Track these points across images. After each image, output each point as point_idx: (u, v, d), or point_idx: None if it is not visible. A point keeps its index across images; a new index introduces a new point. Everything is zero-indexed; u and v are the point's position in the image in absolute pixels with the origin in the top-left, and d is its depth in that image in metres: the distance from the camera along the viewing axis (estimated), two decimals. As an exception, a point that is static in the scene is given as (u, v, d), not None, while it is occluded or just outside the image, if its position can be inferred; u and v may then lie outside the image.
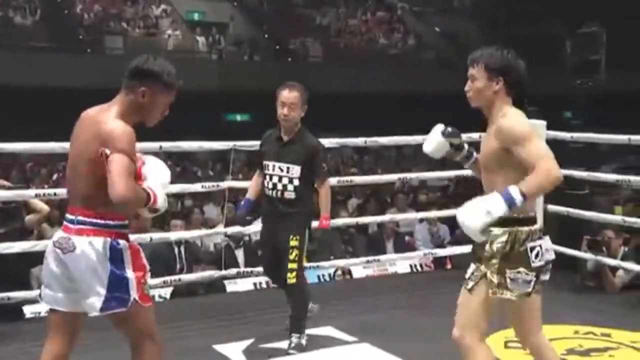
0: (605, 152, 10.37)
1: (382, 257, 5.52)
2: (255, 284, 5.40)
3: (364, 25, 18.84)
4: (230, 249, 5.62)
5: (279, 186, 3.51)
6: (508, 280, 2.32)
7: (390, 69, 15.80)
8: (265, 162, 3.58)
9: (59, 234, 2.36)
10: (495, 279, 2.32)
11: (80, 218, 2.31)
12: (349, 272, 5.91)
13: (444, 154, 2.64)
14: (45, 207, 4.42)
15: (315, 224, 3.62)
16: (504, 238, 2.34)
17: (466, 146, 2.64)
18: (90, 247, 2.28)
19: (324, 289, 5.37)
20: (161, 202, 2.32)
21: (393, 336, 3.73)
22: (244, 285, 5.31)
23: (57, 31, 14.63)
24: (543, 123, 4.99)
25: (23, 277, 4.35)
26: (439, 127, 2.62)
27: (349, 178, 5.50)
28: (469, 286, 2.39)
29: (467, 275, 2.42)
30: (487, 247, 2.34)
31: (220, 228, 4.95)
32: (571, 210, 4.94)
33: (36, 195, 4.19)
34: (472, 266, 2.42)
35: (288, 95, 3.49)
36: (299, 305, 3.54)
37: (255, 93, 14.62)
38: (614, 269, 4.73)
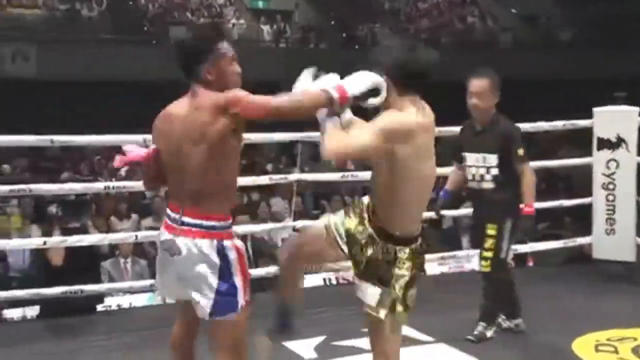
0: None
1: (458, 253, 5.43)
2: (325, 280, 5.42)
3: (436, 9, 18.56)
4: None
5: (477, 177, 3.60)
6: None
7: (466, 54, 15.52)
8: (463, 154, 3.67)
9: (164, 234, 2.30)
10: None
11: (186, 219, 2.24)
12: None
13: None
14: None
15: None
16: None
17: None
18: (196, 249, 2.22)
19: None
20: (353, 88, 2.19)
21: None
22: (313, 281, 5.33)
23: (122, 23, 15.07)
24: (635, 109, 4.81)
25: (94, 270, 4.51)
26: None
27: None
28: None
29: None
30: None
31: (288, 222, 4.98)
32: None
33: (105, 188, 4.32)
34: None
35: (476, 84, 3.53)
36: (489, 295, 3.63)
37: (322, 82, 14.70)
38: None
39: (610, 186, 4.84)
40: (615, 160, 4.81)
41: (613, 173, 4.82)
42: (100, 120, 6.65)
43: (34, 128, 4.07)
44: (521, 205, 3.55)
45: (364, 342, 3.58)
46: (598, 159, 4.86)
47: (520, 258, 6.04)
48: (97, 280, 4.49)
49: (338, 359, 3.45)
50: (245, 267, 2.28)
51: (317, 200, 8.12)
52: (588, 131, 4.98)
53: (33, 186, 4.15)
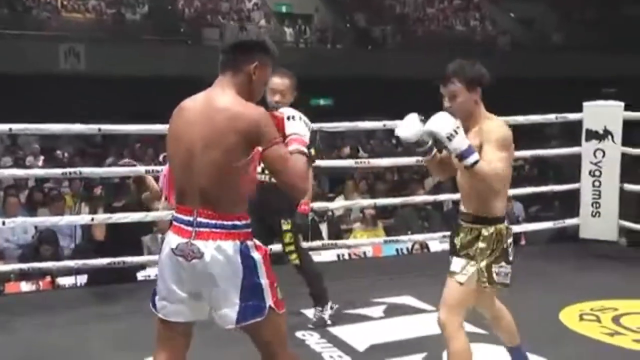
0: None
1: (458, 232, 5.41)
2: (338, 255, 5.42)
3: (441, 13, 18.38)
4: (315, 223, 5.66)
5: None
6: (494, 275, 2.37)
7: (467, 55, 15.34)
8: None
9: (175, 239, 1.93)
10: (486, 274, 2.37)
11: (202, 220, 1.89)
12: (426, 246, 5.83)
13: (415, 141, 2.44)
14: (156, 186, 4.58)
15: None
16: (491, 236, 2.38)
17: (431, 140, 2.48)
18: (219, 252, 1.88)
19: (404, 261, 5.33)
20: (305, 136, 2.00)
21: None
22: (327, 256, 5.34)
23: (161, 25, 15.10)
24: (620, 104, 4.77)
25: (136, 244, 4.55)
26: (415, 115, 2.45)
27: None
28: (462, 280, 2.39)
29: (456, 269, 2.41)
30: (477, 244, 2.39)
31: (307, 203, 4.97)
32: (649, 189, 4.69)
33: (146, 172, 4.35)
34: (461, 261, 2.41)
35: (279, 82, 3.29)
36: (311, 281, 3.43)
37: (338, 79, 14.64)
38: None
39: (597, 173, 4.80)
40: (601, 150, 4.78)
41: (599, 162, 4.79)
42: (141, 111, 6.67)
43: (82, 118, 4.11)
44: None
45: (371, 311, 3.62)
46: (586, 149, 4.83)
47: (514, 237, 6.00)
48: (139, 253, 4.54)
49: (349, 325, 3.45)
50: (270, 267, 1.96)
51: (332, 183, 8.10)
52: (578, 124, 4.94)
53: (84, 169, 4.20)
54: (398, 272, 3.82)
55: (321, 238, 5.43)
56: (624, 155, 4.78)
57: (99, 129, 4.09)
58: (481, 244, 2.37)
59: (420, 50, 15.69)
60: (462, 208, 2.49)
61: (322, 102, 16.31)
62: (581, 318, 3.48)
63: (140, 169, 4.51)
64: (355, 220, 6.40)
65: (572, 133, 5.35)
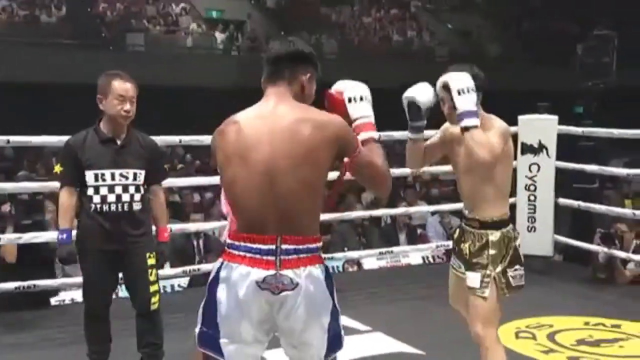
0: (615, 147, 10.27)
1: (395, 249, 5.50)
2: (332, 268, 5.44)
3: (378, 23, 18.77)
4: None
5: (125, 197, 2.86)
6: (510, 279, 2.45)
7: (404, 65, 15.74)
8: (95, 172, 2.84)
9: (256, 272, 1.75)
10: (503, 280, 2.44)
11: (288, 247, 1.75)
12: (358, 264, 5.90)
13: (424, 109, 2.46)
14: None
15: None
16: (500, 241, 2.45)
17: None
18: (311, 280, 1.76)
19: (338, 280, 5.36)
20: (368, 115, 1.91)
21: (406, 325, 3.72)
22: None
23: (80, 28, 14.72)
24: (554, 118, 4.97)
25: (48, 266, 4.38)
26: (424, 82, 2.49)
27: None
28: (486, 295, 2.43)
29: (476, 285, 2.45)
30: (488, 252, 2.44)
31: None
32: (582, 203, 4.91)
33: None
34: (477, 275, 2.45)
35: (130, 87, 2.89)
36: (159, 332, 2.98)
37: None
38: (625, 262, 4.69)
39: (532, 187, 4.97)
40: (537, 164, 4.94)
41: (535, 176, 4.96)
42: (57, 121, 6.46)
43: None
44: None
45: (348, 321, 3.61)
46: (522, 163, 4.98)
47: (449, 254, 6.16)
48: (52, 275, 4.37)
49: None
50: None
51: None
52: (513, 137, 5.13)
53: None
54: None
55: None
56: (558, 169, 4.97)
57: (8, 141, 3.94)
58: (492, 251, 2.44)
59: (357, 60, 15.95)
60: (466, 213, 2.54)
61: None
62: (517, 336, 3.59)
63: (56, 184, 4.37)
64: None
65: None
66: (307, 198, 1.77)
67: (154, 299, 2.92)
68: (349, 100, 1.93)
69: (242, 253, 1.78)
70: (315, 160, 1.75)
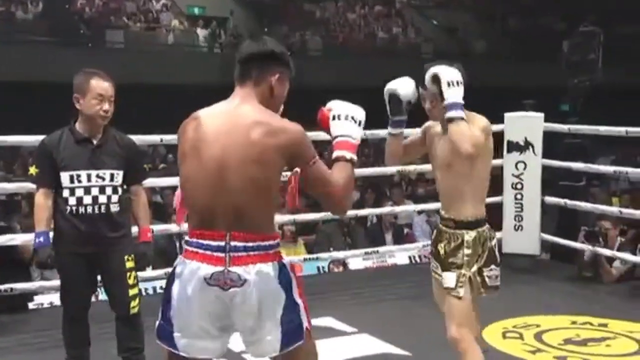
0: (602, 144, 10.39)
1: (381, 249, 5.51)
2: (318, 268, 5.46)
3: (363, 19, 18.81)
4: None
5: (102, 199, 2.83)
6: (486, 279, 2.49)
7: (389, 62, 15.81)
8: (70, 174, 2.80)
9: (205, 268, 1.81)
10: (479, 279, 2.47)
11: (238, 243, 1.80)
12: (344, 264, 5.91)
13: (405, 102, 2.50)
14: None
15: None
16: (475, 240, 2.48)
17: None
18: (260, 277, 1.81)
19: (324, 280, 5.37)
20: (355, 135, 1.93)
21: (392, 326, 3.73)
22: (307, 269, 5.32)
23: (57, 25, 14.59)
24: (540, 115, 5.00)
25: (23, 269, 4.34)
26: (406, 77, 2.52)
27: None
28: (461, 294, 2.46)
29: (451, 285, 2.47)
30: (463, 251, 2.48)
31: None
32: (569, 201, 4.95)
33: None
34: (452, 275, 2.47)
35: (108, 86, 2.85)
36: (140, 337, 2.96)
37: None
38: (611, 260, 4.74)
39: (519, 186, 5.00)
40: (523, 162, 4.97)
41: (521, 174, 4.98)
42: (35, 121, 6.39)
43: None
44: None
45: (334, 323, 3.63)
46: (508, 161, 5.01)
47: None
48: (28, 279, 4.33)
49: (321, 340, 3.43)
50: (302, 287, 1.92)
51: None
52: (499, 135, 5.16)
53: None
54: (318, 292, 3.85)
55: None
56: (544, 167, 5.02)
57: (-17, 140, 3.89)
58: (467, 251, 2.47)
59: (342, 58, 16.00)
60: (442, 213, 2.58)
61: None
62: (504, 336, 3.62)
63: (32, 185, 4.33)
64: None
65: (496, 144, 5.58)
66: (256, 196, 1.81)
67: (134, 303, 2.89)
68: (333, 118, 1.97)
69: (194, 249, 1.84)
70: (265, 162, 1.81)
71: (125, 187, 2.92)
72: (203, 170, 1.84)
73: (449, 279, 2.47)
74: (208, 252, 1.82)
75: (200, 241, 1.83)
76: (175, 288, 1.87)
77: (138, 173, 3.03)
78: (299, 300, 1.88)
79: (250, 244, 1.81)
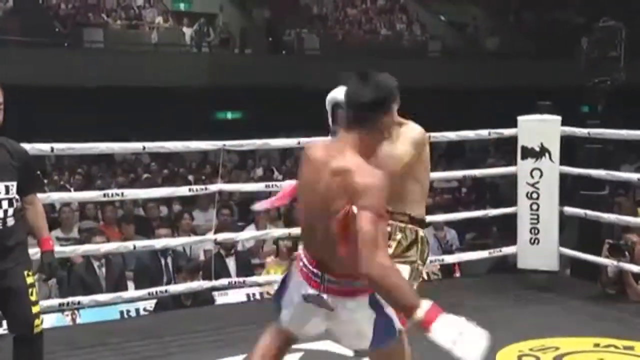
0: (625, 150, 10.39)
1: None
2: (248, 295, 5.39)
3: (364, 15, 18.87)
4: (221, 257, 5.61)
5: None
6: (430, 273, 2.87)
7: (393, 62, 15.85)
8: None
9: (305, 287, 2.25)
10: (426, 278, 2.84)
11: (330, 277, 2.20)
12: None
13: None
14: None
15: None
16: (424, 238, 2.85)
17: None
18: (350, 311, 2.22)
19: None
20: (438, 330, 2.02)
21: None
22: (236, 296, 5.30)
23: (30, 23, 14.61)
24: (557, 119, 5.00)
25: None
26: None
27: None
28: (414, 287, 2.70)
29: (405, 277, 2.66)
30: (418, 247, 2.80)
31: (210, 235, 4.94)
32: (590, 212, 4.94)
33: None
34: (407, 268, 2.73)
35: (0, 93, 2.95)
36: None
37: (247, 89, 14.69)
38: (637, 276, 4.72)
39: (534, 195, 4.99)
40: (539, 169, 4.96)
41: (537, 182, 4.97)
42: (5, 128, 6.39)
43: None
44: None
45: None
46: (522, 168, 5.01)
47: (448, 269, 6.20)
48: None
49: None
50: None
51: (242, 210, 8.07)
52: (512, 140, 5.16)
53: None
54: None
55: (228, 275, 5.38)
56: (563, 175, 5.01)
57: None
58: (421, 247, 2.80)
59: (341, 57, 16.02)
60: (396, 209, 2.73)
61: (229, 116, 16.29)
62: (519, 359, 3.61)
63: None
64: (268, 254, 6.39)
65: (509, 149, 5.56)
66: (329, 244, 2.10)
67: (37, 321, 2.90)
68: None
69: (301, 264, 2.26)
70: (333, 210, 2.07)
71: (19, 198, 2.94)
72: (302, 210, 2.29)
73: (402, 270, 2.62)
74: (309, 274, 2.21)
75: (304, 259, 2.25)
76: (289, 286, 2.33)
77: (33, 182, 3.08)
78: (388, 310, 2.19)
79: (339, 280, 2.17)
